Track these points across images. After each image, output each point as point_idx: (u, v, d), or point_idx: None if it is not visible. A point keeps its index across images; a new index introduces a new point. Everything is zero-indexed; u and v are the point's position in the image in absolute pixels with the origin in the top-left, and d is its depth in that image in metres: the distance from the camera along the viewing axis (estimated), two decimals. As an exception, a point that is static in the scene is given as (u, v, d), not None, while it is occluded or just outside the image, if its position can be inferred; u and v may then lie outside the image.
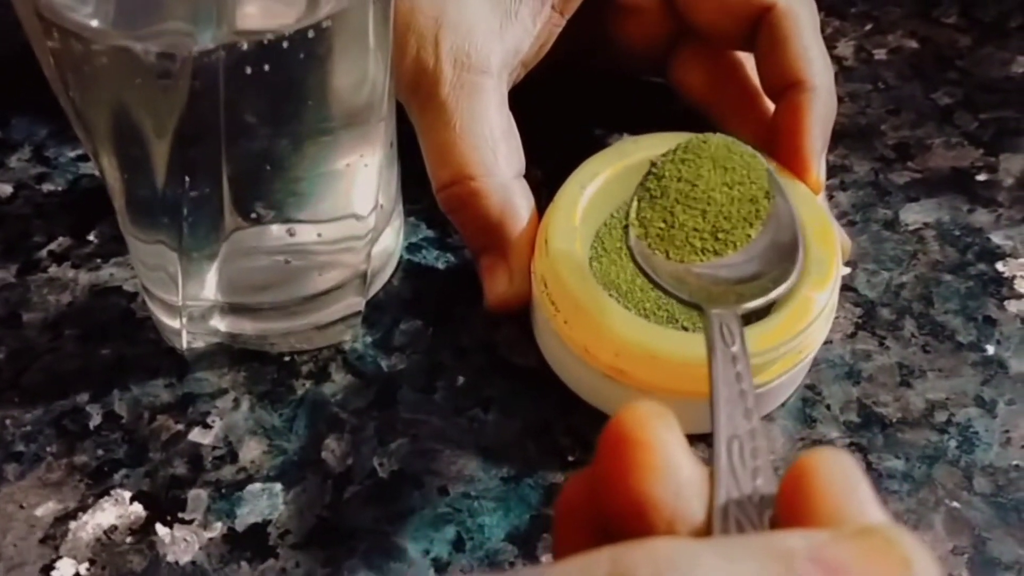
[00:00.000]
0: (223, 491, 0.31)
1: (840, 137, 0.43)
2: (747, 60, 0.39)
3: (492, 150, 0.34)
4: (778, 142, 0.35)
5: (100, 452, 0.32)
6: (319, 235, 0.32)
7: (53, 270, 0.37)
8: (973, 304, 0.37)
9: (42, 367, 0.34)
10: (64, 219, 0.39)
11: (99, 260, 0.38)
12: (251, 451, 0.32)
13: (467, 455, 0.32)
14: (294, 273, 0.33)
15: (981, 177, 0.42)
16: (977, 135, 0.44)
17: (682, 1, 0.38)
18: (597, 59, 0.42)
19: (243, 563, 0.29)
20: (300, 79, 0.28)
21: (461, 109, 0.34)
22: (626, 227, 0.31)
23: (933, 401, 0.34)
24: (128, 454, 0.32)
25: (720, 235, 0.30)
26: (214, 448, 0.32)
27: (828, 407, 0.33)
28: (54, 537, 0.30)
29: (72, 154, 0.42)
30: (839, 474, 0.18)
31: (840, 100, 0.36)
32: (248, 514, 0.31)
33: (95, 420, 0.33)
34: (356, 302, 0.34)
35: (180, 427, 0.33)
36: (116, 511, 0.31)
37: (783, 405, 0.33)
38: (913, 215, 0.40)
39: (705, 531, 0.19)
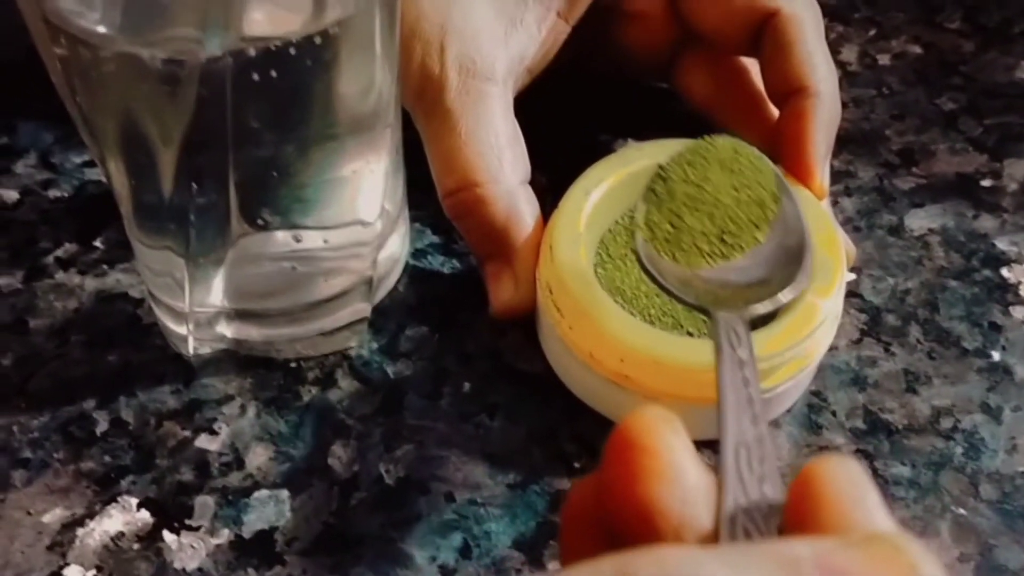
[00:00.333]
0: (230, 498, 0.31)
1: (844, 143, 0.43)
2: (752, 66, 0.39)
3: (497, 157, 0.34)
4: (782, 148, 0.35)
5: (107, 458, 0.32)
6: (325, 241, 0.32)
7: (60, 276, 0.37)
8: (978, 310, 0.37)
9: (49, 373, 0.34)
10: (70, 225, 0.39)
11: (105, 266, 0.38)
12: (258, 457, 0.32)
13: (473, 462, 0.32)
14: (300, 279, 0.33)
15: (986, 183, 0.42)
16: (981, 140, 0.44)
17: (686, 7, 0.38)
18: (602, 65, 0.42)
19: (250, 570, 0.29)
20: (307, 86, 0.28)
21: (466, 115, 0.34)
22: (633, 231, 0.31)
23: (939, 407, 0.34)
24: (135, 460, 0.32)
25: (727, 238, 0.30)
26: (221, 454, 0.32)
27: (834, 413, 0.33)
28: (61, 544, 0.30)
29: (78, 160, 0.42)
30: (847, 481, 0.18)
31: (844, 105, 0.36)
32: (255, 521, 0.31)
33: (102, 426, 0.33)
34: (362, 308, 0.34)
35: (187, 433, 0.33)
36: (123, 518, 0.31)
37: (789, 411, 0.33)
38: (918, 221, 0.40)
39: (712, 538, 0.19)
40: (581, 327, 0.31)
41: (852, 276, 0.37)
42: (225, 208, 0.29)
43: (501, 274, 0.35)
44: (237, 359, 0.35)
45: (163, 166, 0.28)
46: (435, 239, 0.39)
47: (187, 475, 0.32)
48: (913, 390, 0.34)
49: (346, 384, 0.34)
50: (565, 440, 0.33)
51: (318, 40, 0.27)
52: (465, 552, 0.30)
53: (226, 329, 0.34)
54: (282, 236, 0.32)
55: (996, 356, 0.35)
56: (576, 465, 0.32)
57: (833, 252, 0.32)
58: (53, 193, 0.41)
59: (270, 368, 0.34)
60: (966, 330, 0.36)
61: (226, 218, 0.30)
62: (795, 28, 0.35)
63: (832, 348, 0.35)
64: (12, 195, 0.41)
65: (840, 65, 0.47)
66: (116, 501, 0.31)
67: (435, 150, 0.35)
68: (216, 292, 0.32)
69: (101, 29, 0.26)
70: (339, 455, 0.32)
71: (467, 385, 0.34)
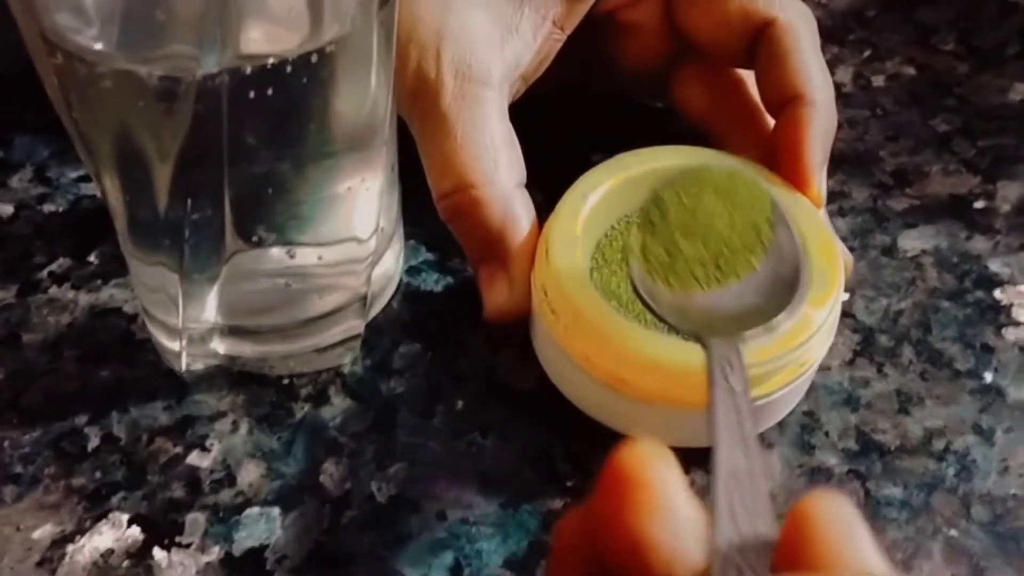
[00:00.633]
0: (221, 515, 0.31)
1: (838, 163, 0.43)
2: (748, 78, 0.39)
3: (493, 159, 0.34)
4: (778, 156, 0.35)
5: (98, 475, 0.32)
6: (320, 258, 0.32)
7: (53, 291, 0.37)
8: (971, 331, 0.37)
9: (41, 388, 0.34)
10: (65, 240, 0.39)
11: (99, 281, 0.38)
12: (249, 475, 0.32)
13: (465, 480, 0.32)
14: (294, 296, 0.33)
15: (979, 204, 0.42)
16: (975, 162, 0.44)
17: (682, 18, 0.38)
18: (597, 77, 0.42)
19: (240, 587, 0.29)
20: (303, 103, 0.28)
21: (462, 119, 0.34)
22: (626, 258, 0.31)
23: (931, 429, 0.34)
24: (126, 477, 0.32)
25: (722, 264, 0.30)
26: (212, 471, 0.32)
27: (826, 434, 0.33)
28: (51, 560, 0.30)
29: (73, 175, 0.42)
30: (839, 519, 0.18)
31: (839, 126, 0.36)
32: (246, 538, 0.30)
33: (93, 442, 0.33)
34: (356, 325, 0.34)
35: (178, 450, 0.33)
36: (113, 534, 0.30)
37: (782, 431, 0.33)
38: (911, 242, 0.40)
39: (704, 573, 0.19)
40: (577, 330, 0.31)
41: (846, 296, 0.37)
42: (220, 224, 0.29)
43: (495, 277, 0.34)
44: (230, 375, 0.34)
45: (158, 182, 0.28)
46: (429, 256, 0.39)
47: (178, 492, 0.32)
48: (905, 411, 0.34)
49: (339, 401, 0.34)
50: (558, 459, 0.33)
51: (315, 58, 0.27)
52: (456, 571, 0.30)
53: (219, 345, 0.34)
54: (276, 253, 0.32)
55: (988, 378, 0.35)
56: (569, 484, 0.32)
57: (830, 262, 0.32)
58: (48, 208, 0.41)
59: (263, 385, 0.34)
60: (959, 351, 0.36)
61: (221, 234, 0.30)
62: (791, 38, 0.35)
63: (825, 368, 0.35)
64: (7, 209, 0.41)
65: (835, 86, 0.47)
66: (107, 517, 0.31)
67: (430, 154, 0.35)
68: (210, 308, 0.32)
69: (98, 46, 0.26)
70: (331, 472, 0.32)
71: (460, 403, 0.34)
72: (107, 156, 0.28)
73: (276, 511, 0.31)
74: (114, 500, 0.31)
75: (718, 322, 0.28)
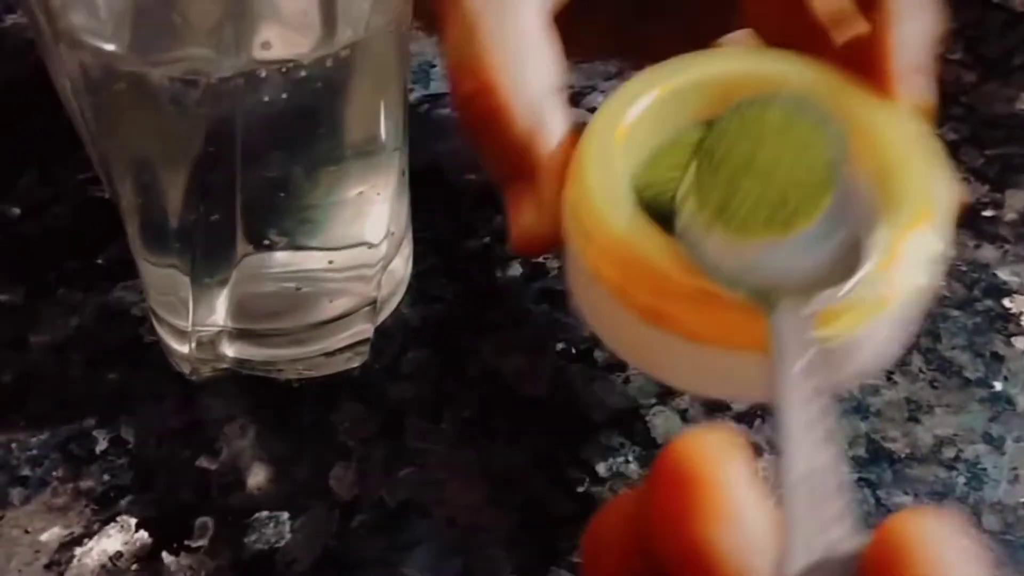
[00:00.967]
0: (230, 519, 0.31)
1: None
2: None
3: (522, 58, 0.29)
4: (868, 59, 0.29)
5: (106, 477, 0.32)
6: (330, 262, 0.32)
7: (61, 293, 0.37)
8: (980, 340, 0.37)
9: (49, 390, 0.34)
10: (72, 242, 0.39)
11: (107, 284, 0.38)
12: (258, 478, 0.32)
13: (475, 485, 0.32)
14: (304, 300, 0.33)
15: (987, 213, 0.42)
16: (983, 171, 0.44)
17: None
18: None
19: (249, 592, 0.29)
20: (317, 107, 0.28)
21: (489, 11, 0.29)
22: (678, 202, 0.27)
23: (941, 437, 0.34)
24: (134, 480, 0.32)
25: (786, 208, 0.26)
26: (221, 475, 0.32)
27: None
28: (59, 563, 0.30)
29: (81, 177, 0.42)
30: (940, 542, 0.16)
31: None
32: (254, 542, 0.30)
33: (101, 445, 0.33)
34: (365, 329, 0.34)
35: (187, 453, 0.32)
36: (122, 537, 0.30)
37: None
38: (920, 250, 0.40)
39: None
40: (610, 254, 0.26)
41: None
42: (231, 228, 0.29)
43: (522, 197, 0.29)
44: (239, 379, 0.34)
45: (171, 185, 0.28)
46: (438, 261, 0.39)
47: (187, 495, 0.31)
48: (915, 419, 0.34)
49: (347, 406, 0.34)
50: (567, 465, 0.32)
51: (329, 63, 0.27)
52: (466, 577, 0.30)
53: (228, 349, 0.33)
54: (287, 257, 0.32)
55: (998, 386, 0.35)
56: (579, 490, 0.32)
57: (923, 185, 0.27)
58: (55, 209, 0.41)
59: (272, 388, 0.34)
60: (968, 360, 0.36)
61: (232, 238, 0.30)
62: None
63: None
64: (14, 211, 0.41)
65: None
66: (115, 521, 0.31)
67: (452, 55, 0.30)
68: (219, 312, 0.32)
69: (112, 47, 0.26)
70: (340, 477, 0.32)
71: (469, 408, 0.34)
72: (120, 159, 0.28)
73: (285, 515, 0.31)
74: (123, 503, 0.31)
75: (783, 282, 0.24)
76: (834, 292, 0.24)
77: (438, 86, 0.47)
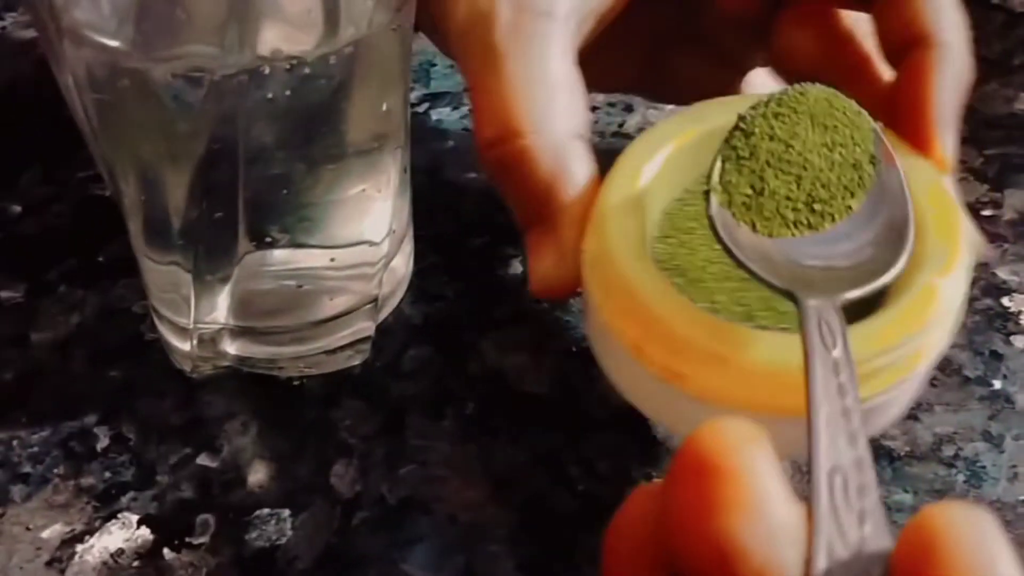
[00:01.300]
0: (231, 516, 0.31)
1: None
2: (863, 23, 0.32)
3: (547, 102, 0.29)
4: (899, 109, 0.29)
5: (108, 474, 0.32)
6: (332, 260, 0.32)
7: (62, 291, 0.37)
8: (979, 339, 0.37)
9: (50, 388, 0.34)
10: (73, 240, 0.39)
11: (108, 281, 0.38)
12: (259, 476, 0.32)
13: (476, 483, 0.32)
14: (305, 298, 0.33)
15: (986, 212, 0.42)
16: (982, 171, 0.44)
17: None
18: (689, 28, 0.37)
19: (251, 589, 0.29)
20: (320, 105, 0.28)
21: (514, 55, 0.29)
22: (707, 192, 0.26)
23: (941, 435, 0.34)
24: (136, 477, 0.32)
25: (817, 205, 0.26)
26: (222, 472, 0.32)
27: (837, 440, 0.33)
28: (60, 560, 0.30)
29: (82, 175, 0.42)
30: (976, 538, 0.15)
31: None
32: (256, 539, 0.30)
33: (103, 442, 0.33)
34: (366, 327, 0.34)
35: (188, 450, 0.33)
36: (123, 534, 0.30)
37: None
38: (919, 249, 0.40)
39: None
40: (628, 312, 0.26)
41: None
42: (233, 225, 0.29)
43: (543, 244, 0.29)
44: (240, 377, 0.34)
45: (174, 182, 0.28)
46: (440, 259, 0.39)
47: (188, 492, 0.31)
48: (915, 417, 0.34)
49: (349, 403, 0.34)
50: (569, 463, 0.32)
51: (332, 60, 0.27)
52: (468, 575, 0.30)
53: (229, 346, 0.34)
54: (288, 254, 0.32)
55: (997, 384, 0.35)
56: (580, 488, 0.32)
57: (950, 235, 0.27)
58: (56, 207, 0.41)
59: (273, 386, 0.34)
60: (967, 359, 0.36)
61: (234, 235, 0.30)
62: None
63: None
64: (15, 209, 0.41)
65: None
66: (116, 518, 0.31)
67: (476, 96, 0.30)
68: (221, 309, 0.32)
69: (115, 44, 0.26)
70: (341, 474, 0.32)
71: (470, 406, 0.34)
72: (123, 156, 0.28)
73: (286, 512, 0.31)
74: (124, 500, 0.31)
75: (812, 276, 0.24)
76: (865, 285, 0.23)
77: (438, 85, 0.47)
